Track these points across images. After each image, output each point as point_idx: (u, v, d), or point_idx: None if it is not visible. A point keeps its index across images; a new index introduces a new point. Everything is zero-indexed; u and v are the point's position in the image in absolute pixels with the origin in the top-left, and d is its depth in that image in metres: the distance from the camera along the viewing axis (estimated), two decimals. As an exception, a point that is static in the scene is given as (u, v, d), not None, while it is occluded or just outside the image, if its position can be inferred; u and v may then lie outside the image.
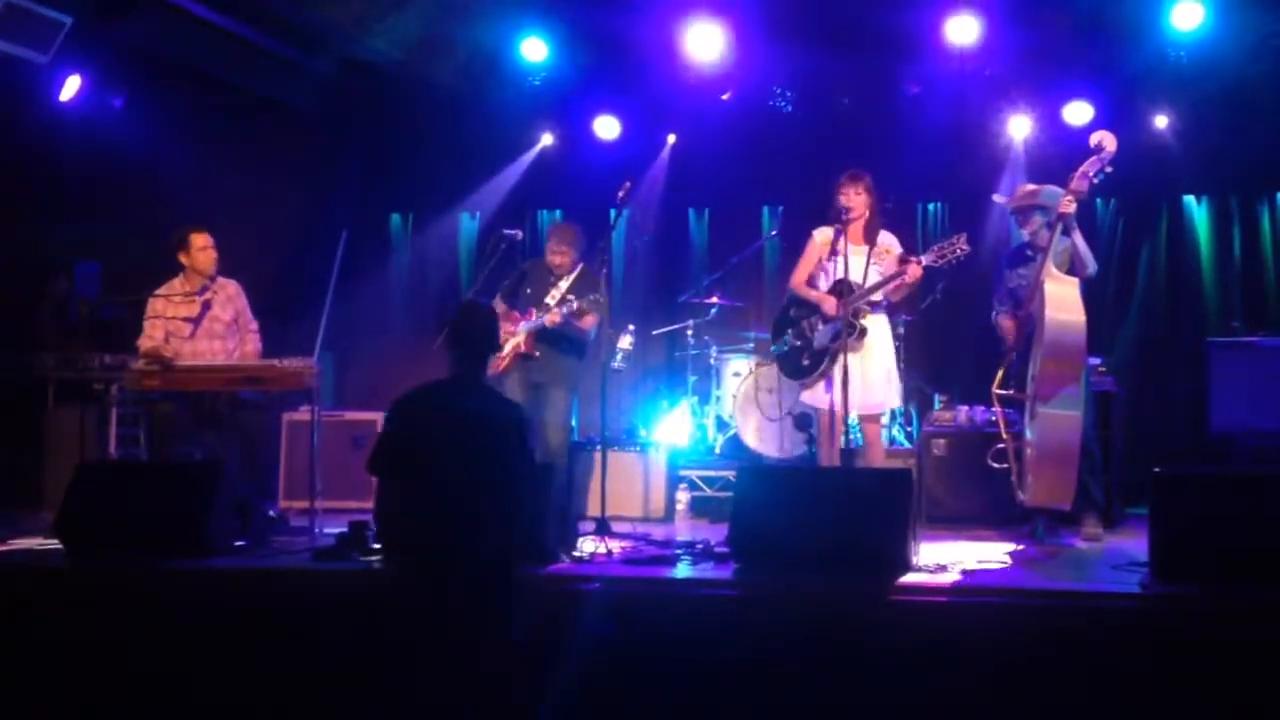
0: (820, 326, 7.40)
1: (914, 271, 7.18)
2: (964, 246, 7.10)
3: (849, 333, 7.04)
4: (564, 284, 7.95)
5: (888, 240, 7.44)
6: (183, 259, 7.75)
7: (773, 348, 7.83)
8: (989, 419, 7.93)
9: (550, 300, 7.86)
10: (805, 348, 7.49)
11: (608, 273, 7.68)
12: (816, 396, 7.44)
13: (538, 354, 7.83)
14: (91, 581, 6.06)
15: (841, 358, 6.91)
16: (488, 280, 7.96)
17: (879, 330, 7.39)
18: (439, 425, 4.94)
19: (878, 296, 7.31)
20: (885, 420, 8.58)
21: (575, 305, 7.66)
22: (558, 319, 7.67)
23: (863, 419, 7.48)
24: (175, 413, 7.47)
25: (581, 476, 8.46)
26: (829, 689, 5.16)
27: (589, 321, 7.85)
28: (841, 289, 7.21)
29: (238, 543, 6.61)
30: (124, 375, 7.64)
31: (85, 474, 6.87)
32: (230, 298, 7.87)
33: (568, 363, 7.94)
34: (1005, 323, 7.45)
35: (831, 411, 7.17)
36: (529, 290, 8.02)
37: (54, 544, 6.58)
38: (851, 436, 7.34)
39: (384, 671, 5.13)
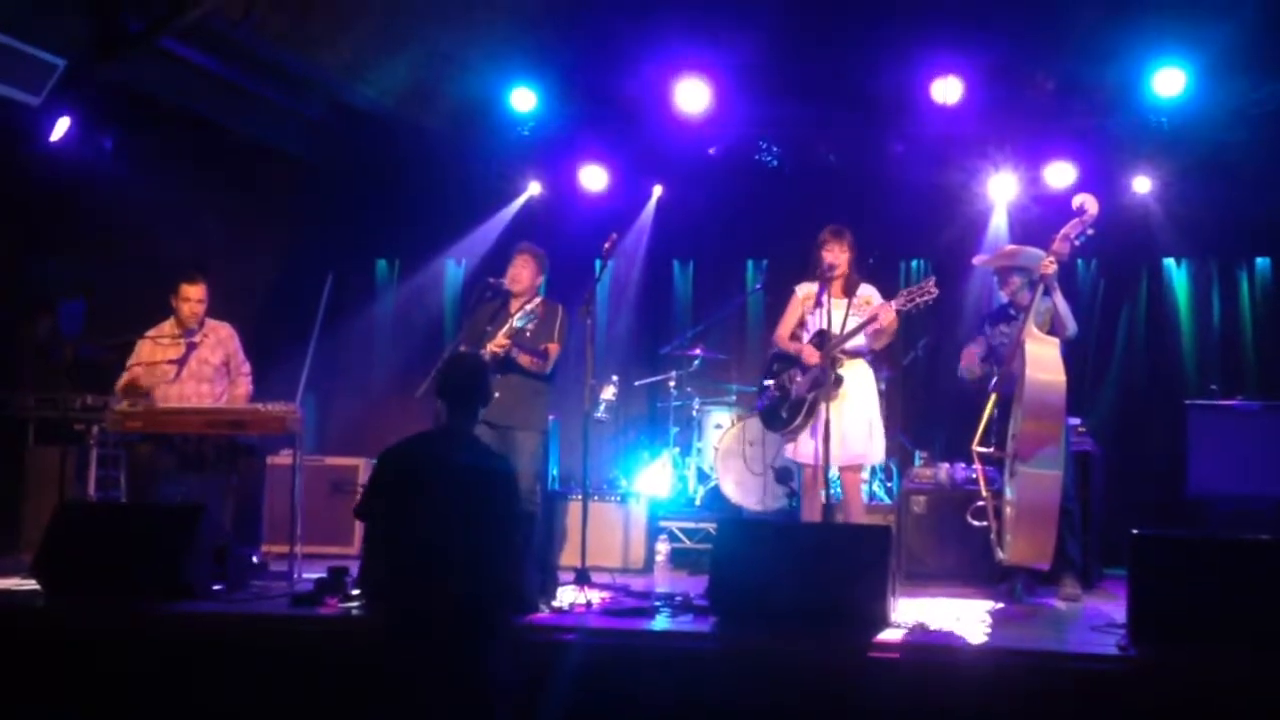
0: (799, 377, 7.43)
1: (886, 314, 7.18)
2: (933, 289, 7.12)
3: (826, 380, 7.07)
4: (517, 315, 7.50)
5: (867, 292, 7.48)
6: (173, 303, 7.78)
7: (756, 403, 7.86)
8: (969, 476, 7.96)
9: (501, 333, 7.41)
10: (784, 399, 7.52)
11: (592, 324, 7.63)
12: (799, 450, 7.46)
13: (497, 394, 6.71)
14: (69, 623, 6.02)
15: (821, 408, 6.97)
16: (468, 330, 7.93)
17: (858, 380, 7.39)
18: (426, 477, 4.95)
19: (855, 342, 7.33)
20: (865, 475, 8.64)
21: (529, 333, 7.37)
22: (505, 344, 7.27)
23: (841, 470, 7.46)
24: (156, 455, 7.45)
25: (561, 526, 8.46)
26: (807, 745, 5.16)
27: (543, 360, 7.43)
28: (821, 339, 7.26)
29: (216, 586, 6.58)
30: (105, 416, 7.63)
31: (64, 515, 6.84)
32: (221, 341, 7.87)
33: (533, 404, 7.46)
34: (969, 350, 7.53)
35: (815, 466, 7.21)
36: (489, 328, 7.53)
37: (32, 585, 6.55)
38: (833, 491, 7.34)
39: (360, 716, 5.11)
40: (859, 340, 7.34)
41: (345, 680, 5.33)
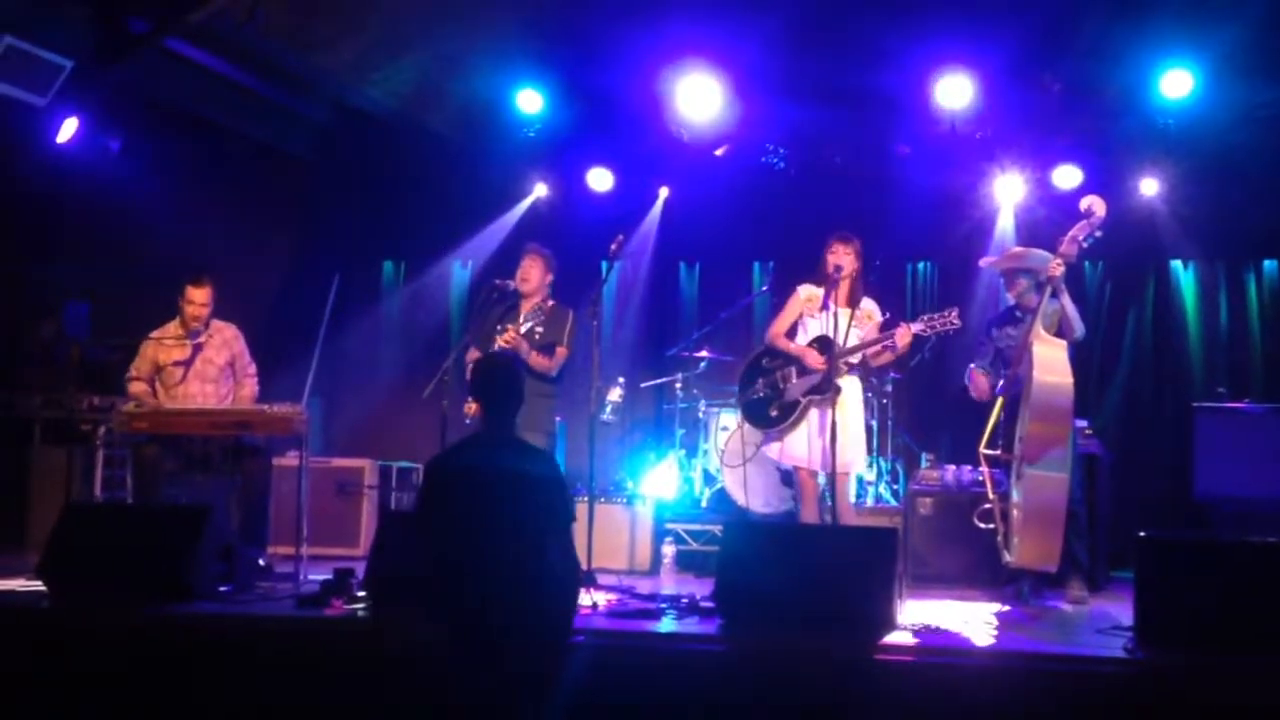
0: (794, 379, 7.38)
1: (903, 336, 7.10)
2: (955, 321, 7.03)
3: (827, 389, 7.04)
4: (526, 314, 7.56)
5: (869, 306, 7.43)
6: (179, 304, 7.78)
7: (739, 395, 7.79)
8: (976, 479, 7.93)
9: (511, 328, 7.44)
10: (775, 398, 7.45)
11: (598, 325, 7.61)
12: (785, 451, 7.41)
13: None
14: (75, 624, 6.01)
15: (827, 412, 6.97)
16: (477, 329, 7.93)
17: (850, 391, 7.35)
18: (471, 484, 4.93)
19: (857, 358, 7.31)
20: (872, 477, 8.61)
21: (537, 334, 7.40)
22: (514, 338, 7.30)
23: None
24: (162, 456, 7.45)
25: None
26: (813, 747, 5.15)
27: (550, 360, 7.48)
28: (824, 345, 7.22)
29: (222, 588, 6.57)
30: (111, 417, 7.63)
31: (70, 516, 6.83)
32: (226, 341, 7.87)
33: (540, 405, 7.40)
34: (979, 378, 7.48)
35: (805, 468, 7.20)
36: (499, 326, 7.58)
37: (38, 585, 6.55)
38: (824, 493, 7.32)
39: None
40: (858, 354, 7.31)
41: (350, 682, 5.33)
